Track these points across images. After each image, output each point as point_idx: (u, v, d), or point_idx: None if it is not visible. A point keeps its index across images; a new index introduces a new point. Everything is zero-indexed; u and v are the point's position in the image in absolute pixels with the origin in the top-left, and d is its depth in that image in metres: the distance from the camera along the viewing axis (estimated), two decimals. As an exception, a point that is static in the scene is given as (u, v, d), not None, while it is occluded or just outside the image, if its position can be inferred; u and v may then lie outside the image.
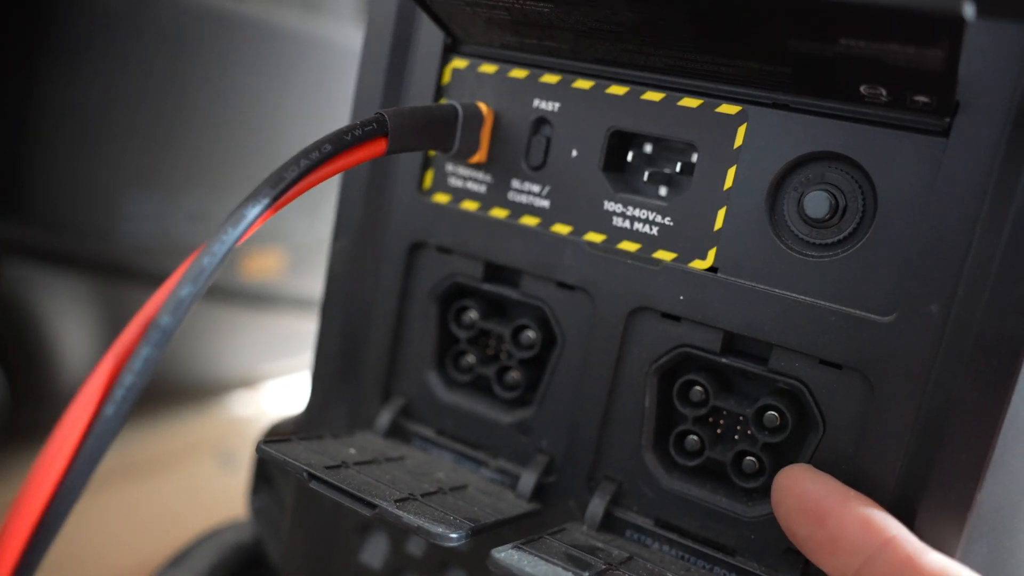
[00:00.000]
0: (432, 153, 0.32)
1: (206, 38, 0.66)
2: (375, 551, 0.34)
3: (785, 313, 0.25)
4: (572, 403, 0.29)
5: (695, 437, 0.27)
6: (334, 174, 0.25)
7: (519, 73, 0.30)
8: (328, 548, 0.35)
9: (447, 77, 0.31)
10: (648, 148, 0.29)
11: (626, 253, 0.28)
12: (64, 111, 0.59)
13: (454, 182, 0.31)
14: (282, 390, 0.88)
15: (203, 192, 0.69)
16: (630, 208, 0.28)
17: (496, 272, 0.31)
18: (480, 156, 0.30)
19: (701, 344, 0.27)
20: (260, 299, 0.78)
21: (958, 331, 0.23)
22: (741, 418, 0.27)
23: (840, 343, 0.25)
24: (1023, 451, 0.24)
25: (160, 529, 0.61)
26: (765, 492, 0.27)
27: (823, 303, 0.25)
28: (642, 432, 0.28)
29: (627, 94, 0.28)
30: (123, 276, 0.65)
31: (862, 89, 0.23)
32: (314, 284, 0.81)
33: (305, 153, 0.24)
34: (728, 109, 0.26)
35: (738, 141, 0.26)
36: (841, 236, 0.25)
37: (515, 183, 0.30)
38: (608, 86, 0.28)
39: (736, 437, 0.28)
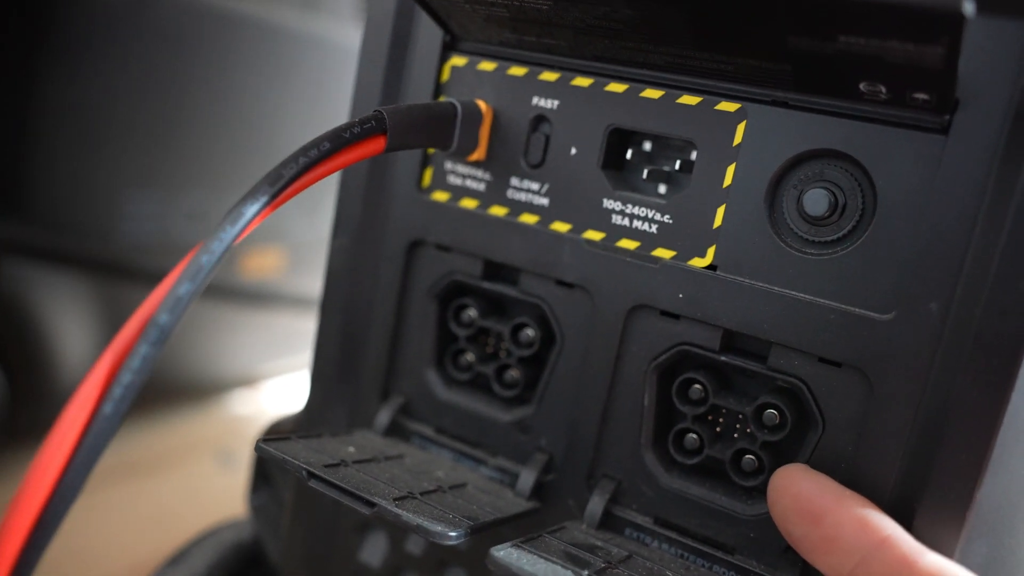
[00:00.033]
0: (431, 151, 0.32)
1: (205, 38, 0.66)
2: (374, 549, 0.34)
3: (784, 311, 0.25)
4: (571, 401, 0.29)
5: (694, 435, 0.27)
6: (333, 172, 0.25)
7: (518, 71, 0.30)
8: (327, 546, 0.35)
9: (446, 75, 0.31)
10: (647, 146, 0.29)
11: (625, 251, 0.28)
12: (64, 111, 0.59)
13: (453, 180, 0.31)
14: (281, 389, 0.88)
15: (203, 192, 0.69)
16: (629, 206, 0.28)
17: (495, 270, 0.31)
18: (479, 154, 0.30)
19: (700, 342, 0.27)
20: (259, 298, 0.78)
21: (958, 329, 0.23)
22: (740, 416, 0.27)
23: (839, 341, 0.25)
24: (1022, 450, 0.24)
25: (159, 528, 0.61)
26: (764, 490, 0.27)
27: (822, 301, 0.25)
28: (641, 430, 0.28)
29: (626, 91, 0.28)
30: (123, 276, 0.65)
31: (862, 86, 0.23)
32: (313, 283, 0.81)
33: (304, 151, 0.24)
34: (727, 106, 0.26)
35: (737, 138, 0.26)
36: (840, 234, 0.25)
37: (514, 181, 0.30)
38: (607, 83, 0.28)
39: (735, 435, 0.27)
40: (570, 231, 0.29)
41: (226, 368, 0.80)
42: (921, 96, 0.22)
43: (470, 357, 0.32)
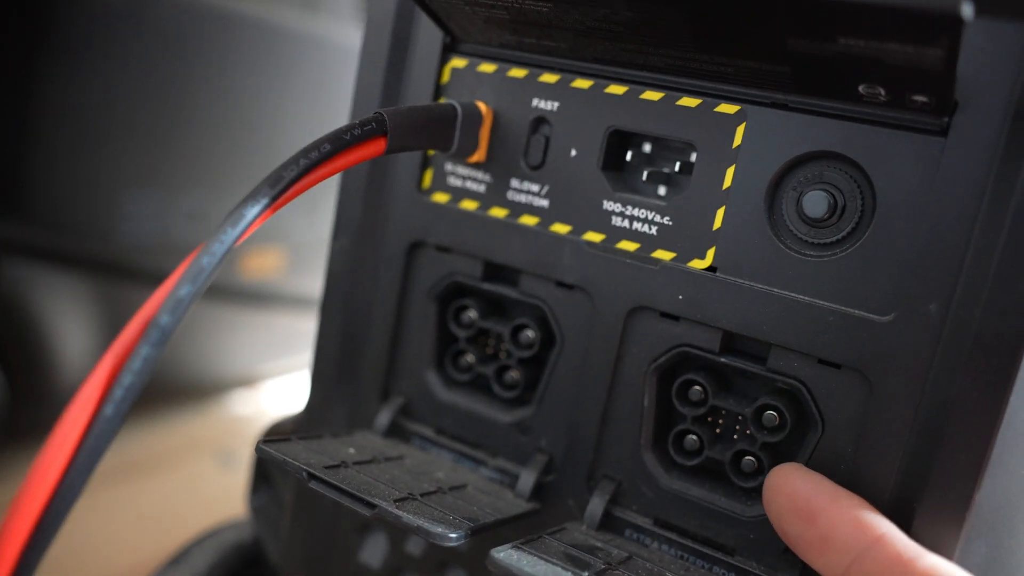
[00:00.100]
0: (431, 152, 0.32)
1: (205, 38, 0.66)
2: (374, 550, 0.34)
3: (784, 312, 0.25)
4: (571, 402, 0.29)
5: (694, 436, 0.27)
6: (333, 174, 0.25)
7: (518, 72, 0.30)
8: (327, 547, 0.35)
9: (446, 76, 0.31)
10: (647, 147, 0.29)
11: (625, 252, 0.28)
12: (64, 111, 0.59)
13: (453, 181, 0.31)
14: (281, 389, 0.88)
15: (202, 192, 0.69)
16: (629, 207, 0.28)
17: (495, 271, 0.31)
18: (479, 155, 0.30)
19: (700, 343, 0.27)
20: (259, 298, 0.78)
21: (957, 330, 0.23)
22: (740, 417, 0.27)
23: (839, 343, 0.25)
24: (1022, 450, 0.24)
25: (159, 528, 0.61)
26: (764, 491, 0.27)
27: (822, 303, 0.25)
28: (641, 431, 0.28)
29: (626, 93, 0.28)
30: (123, 276, 0.65)
31: (861, 88, 0.23)
32: (313, 283, 0.81)
33: (304, 153, 0.24)
34: (727, 108, 0.26)
35: (737, 140, 0.26)
36: (840, 236, 0.25)
37: (514, 182, 0.30)
38: (607, 85, 0.28)
39: (735, 436, 0.28)
40: (570, 232, 0.29)
41: (226, 368, 0.81)
42: (920, 98, 0.22)
43: (470, 358, 0.32)
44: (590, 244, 0.29)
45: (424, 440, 0.33)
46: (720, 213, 0.26)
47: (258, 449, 0.27)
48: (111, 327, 0.65)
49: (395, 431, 0.33)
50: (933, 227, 0.23)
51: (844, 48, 0.21)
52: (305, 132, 0.74)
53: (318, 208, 0.80)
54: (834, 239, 0.25)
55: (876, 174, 0.24)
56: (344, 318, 0.34)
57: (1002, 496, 0.24)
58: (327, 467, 0.26)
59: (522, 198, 0.30)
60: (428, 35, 0.31)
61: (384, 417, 0.33)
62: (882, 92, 0.23)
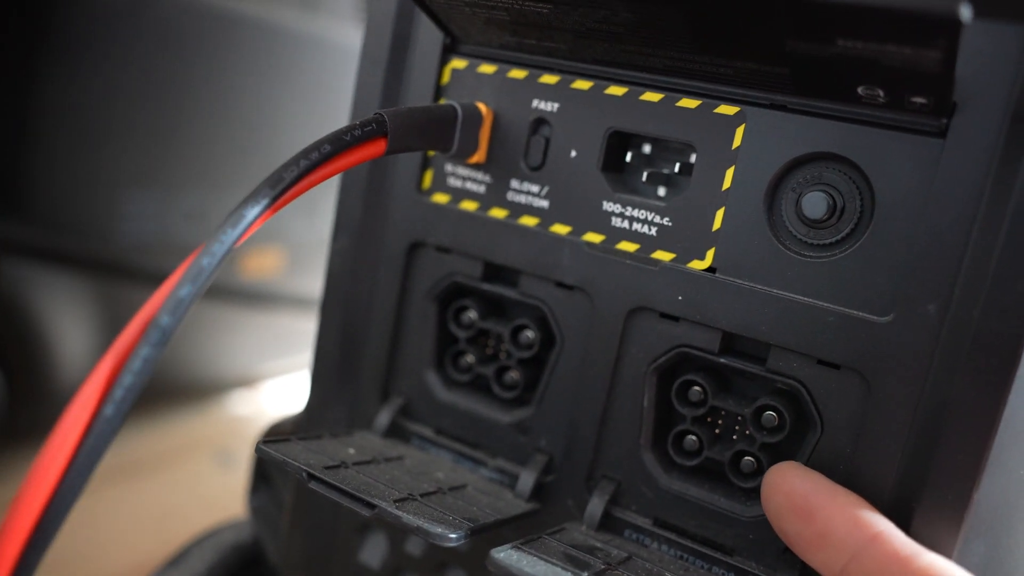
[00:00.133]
0: (431, 153, 0.32)
1: (205, 38, 0.66)
2: (374, 551, 0.34)
3: (783, 313, 0.25)
4: (571, 403, 0.29)
5: (694, 437, 0.27)
6: (334, 174, 0.25)
7: (518, 73, 0.30)
8: (327, 548, 0.35)
9: (446, 77, 0.31)
10: (647, 148, 0.29)
11: (625, 253, 0.28)
12: (64, 111, 0.59)
13: (453, 182, 0.31)
14: (281, 389, 0.88)
15: (202, 191, 0.69)
16: (629, 208, 0.28)
17: (495, 272, 0.31)
18: (479, 156, 0.30)
19: (700, 344, 0.27)
20: (259, 298, 0.78)
21: (955, 331, 0.23)
22: (739, 418, 0.27)
23: (838, 343, 0.25)
24: (1020, 450, 0.24)
25: (159, 528, 0.61)
26: (763, 492, 0.27)
27: (821, 303, 0.25)
28: (641, 432, 0.28)
29: (626, 95, 0.28)
30: (122, 275, 0.66)
31: (860, 90, 0.23)
32: (313, 283, 0.81)
33: (304, 153, 0.24)
34: (726, 110, 0.26)
35: (736, 142, 0.26)
36: (839, 236, 0.25)
37: (514, 183, 0.30)
38: (607, 86, 0.28)
39: (734, 437, 0.28)
40: (570, 233, 0.29)
41: (226, 368, 0.81)
42: (919, 100, 0.22)
43: (470, 358, 0.32)
44: (590, 245, 0.29)
45: (424, 440, 0.33)
46: (720, 214, 0.26)
47: (258, 450, 0.27)
48: (111, 327, 0.65)
49: (395, 431, 0.33)
50: (932, 228, 0.23)
51: (843, 50, 0.21)
52: (305, 132, 0.74)
53: (318, 208, 0.80)
54: (833, 240, 0.25)
55: (875, 175, 0.24)
56: (344, 318, 0.34)
57: (1001, 496, 0.24)
58: (327, 467, 0.26)
59: (522, 199, 0.30)
60: (428, 36, 0.31)
61: (384, 417, 0.33)
62: (881, 94, 0.23)
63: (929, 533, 0.23)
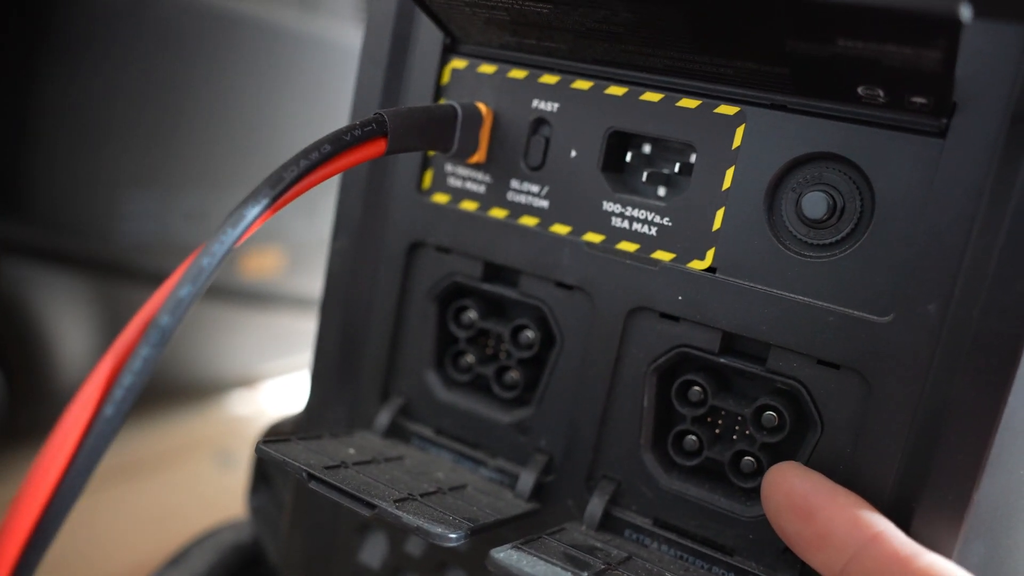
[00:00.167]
0: (431, 153, 0.32)
1: (205, 38, 0.66)
2: (374, 551, 0.34)
3: (783, 313, 0.25)
4: (571, 403, 0.29)
5: (693, 437, 0.27)
6: (334, 174, 0.25)
7: (518, 73, 0.30)
8: (327, 548, 0.35)
9: (446, 77, 0.31)
10: (647, 148, 0.29)
11: (625, 253, 0.28)
12: (64, 111, 0.59)
13: (453, 182, 0.31)
14: (281, 389, 0.88)
15: (202, 191, 0.69)
16: (629, 208, 0.28)
17: (495, 272, 0.31)
18: (479, 156, 0.30)
19: (700, 344, 0.27)
20: (259, 298, 0.78)
21: (955, 331, 0.23)
22: (739, 418, 0.27)
23: (838, 343, 0.25)
24: (1020, 450, 0.24)
25: (159, 528, 0.61)
26: (763, 492, 0.27)
27: (821, 303, 0.25)
28: (641, 432, 0.28)
29: (626, 95, 0.28)
30: (122, 275, 0.66)
31: (860, 90, 0.23)
32: (313, 283, 0.81)
33: (304, 153, 0.24)
34: (726, 110, 0.26)
35: (736, 142, 0.26)
36: (839, 236, 0.25)
37: (514, 183, 0.30)
38: (607, 87, 0.28)
39: (734, 437, 0.28)
40: (570, 233, 0.29)
41: (226, 368, 0.81)
42: (919, 100, 0.22)
43: (470, 358, 0.32)
44: (590, 245, 0.29)
45: (424, 440, 0.33)
46: (720, 214, 0.26)
47: (258, 450, 0.27)
48: (111, 327, 0.65)
49: (395, 431, 0.33)
50: (932, 228, 0.23)
51: (843, 50, 0.21)
52: (305, 132, 0.74)
53: (318, 208, 0.80)
54: (833, 240, 0.25)
55: (875, 175, 0.24)
56: (344, 318, 0.34)
57: (1001, 496, 0.24)
58: (327, 467, 0.26)
59: (522, 199, 0.30)
60: (428, 36, 0.31)
61: (384, 417, 0.33)
62: (881, 93, 0.23)
63: (929, 533, 0.23)
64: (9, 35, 0.56)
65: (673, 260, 0.27)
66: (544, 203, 0.30)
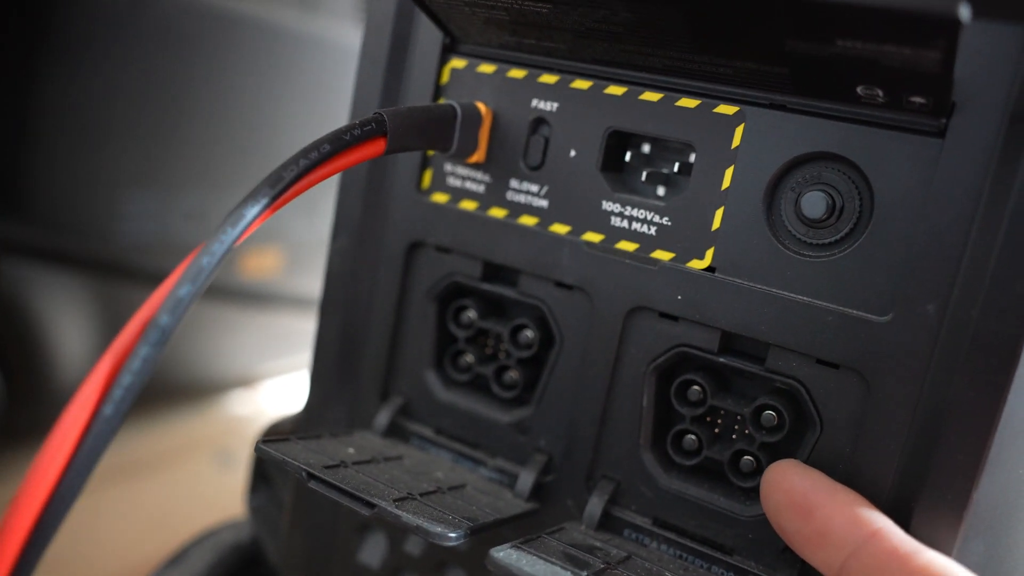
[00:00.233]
0: (431, 153, 0.32)
1: (204, 38, 0.66)
2: (374, 550, 0.34)
3: (782, 313, 0.25)
4: (570, 402, 0.30)
5: (693, 436, 0.27)
6: (333, 174, 0.25)
7: (517, 73, 0.30)
8: (326, 547, 0.35)
9: (446, 77, 0.31)
10: (646, 148, 0.29)
11: (624, 253, 0.28)
12: (64, 111, 0.59)
13: (453, 182, 0.31)
14: (280, 389, 0.88)
15: (201, 191, 0.69)
16: (628, 208, 0.28)
17: (495, 271, 0.31)
18: (479, 156, 0.30)
19: (699, 344, 0.27)
20: (258, 298, 0.78)
21: (954, 331, 0.23)
22: (739, 417, 0.27)
23: (837, 343, 0.25)
24: (1019, 450, 0.24)
25: (158, 528, 0.61)
26: (762, 491, 0.27)
27: (820, 303, 0.25)
28: (640, 431, 0.28)
29: (625, 94, 0.28)
30: (121, 275, 0.66)
31: (859, 90, 0.23)
32: (312, 283, 0.81)
33: (304, 153, 0.24)
34: (726, 109, 0.26)
35: (736, 141, 0.26)
36: (838, 236, 0.25)
37: (513, 183, 0.30)
38: (606, 86, 0.28)
39: (734, 436, 0.28)
40: (569, 233, 0.29)
41: (225, 368, 0.81)
42: (918, 100, 0.22)
43: (469, 358, 0.32)
44: (589, 244, 0.29)
45: (423, 440, 0.33)
46: (719, 214, 0.26)
47: (258, 449, 0.27)
48: (110, 327, 0.65)
49: (394, 431, 0.33)
50: (931, 228, 0.23)
51: (842, 50, 0.21)
52: (305, 132, 0.74)
53: (317, 208, 0.80)
54: (832, 239, 0.25)
55: (874, 175, 0.24)
56: (343, 318, 0.34)
57: (1000, 495, 0.24)
58: (326, 467, 0.26)
59: (521, 198, 0.30)
60: (428, 36, 0.31)
61: (383, 417, 0.33)
62: (880, 93, 0.23)
63: (928, 532, 0.24)
64: (9, 35, 0.56)
65: (672, 260, 0.27)
66: (543, 203, 0.30)
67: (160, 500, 0.66)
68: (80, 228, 0.63)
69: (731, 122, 0.26)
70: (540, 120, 0.30)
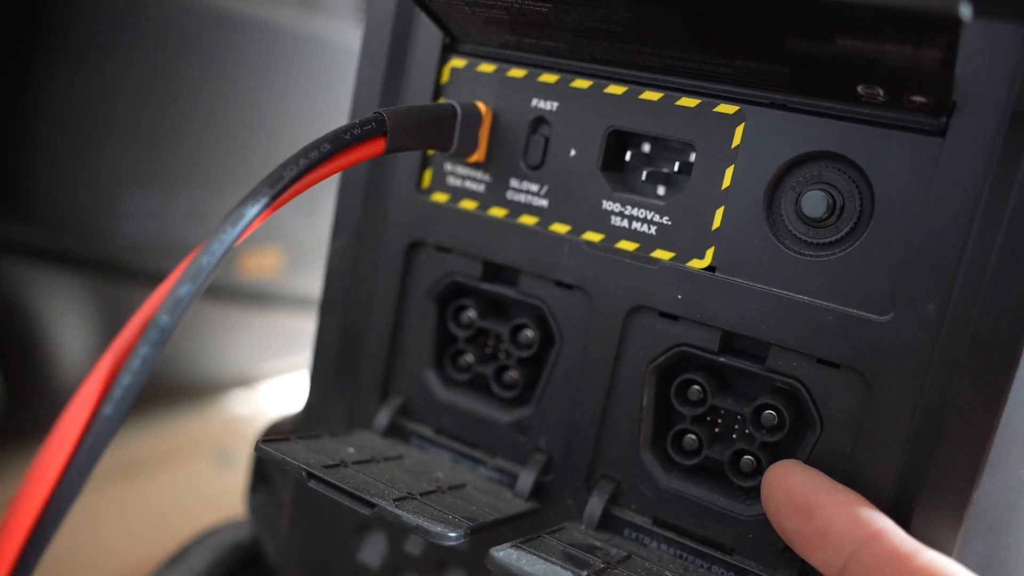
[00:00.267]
0: (431, 152, 0.32)
1: (204, 37, 0.66)
2: (373, 550, 0.34)
3: (783, 312, 0.25)
4: (570, 402, 0.29)
5: (693, 436, 0.27)
6: (333, 173, 0.25)
7: (517, 72, 0.30)
8: (326, 547, 0.35)
9: (445, 76, 0.31)
10: (646, 147, 0.29)
11: (624, 252, 0.28)
12: (64, 111, 0.59)
13: (453, 181, 0.31)
14: (280, 389, 0.88)
15: (201, 191, 0.69)
16: (628, 207, 0.28)
17: (494, 271, 0.31)
18: (478, 155, 0.30)
19: (699, 343, 0.27)
20: (258, 298, 0.78)
21: (955, 330, 0.23)
22: (739, 417, 0.27)
23: (837, 342, 0.25)
24: (1020, 449, 0.24)
25: (158, 528, 0.61)
26: (763, 491, 0.27)
27: (820, 302, 0.25)
28: (640, 431, 0.28)
29: (625, 93, 0.28)
30: (121, 275, 0.65)
31: (859, 89, 0.23)
32: (312, 283, 0.81)
33: (304, 152, 0.24)
34: (726, 109, 0.26)
35: (736, 141, 0.26)
36: (838, 236, 0.25)
37: (513, 182, 0.30)
38: (606, 85, 0.28)
39: (734, 436, 0.28)
40: (569, 232, 0.29)
41: (225, 368, 0.81)
42: (918, 99, 0.22)
43: (469, 358, 0.32)
44: (589, 244, 0.29)
45: (423, 440, 0.33)
46: (719, 213, 0.26)
47: (257, 449, 0.27)
48: (110, 327, 0.65)
49: (394, 431, 0.33)
50: (931, 227, 0.23)
51: (842, 49, 0.21)
52: (305, 132, 0.74)
53: (317, 208, 0.80)
54: (833, 239, 0.25)
55: (874, 174, 0.24)
56: (343, 318, 0.34)
57: (1000, 495, 0.24)
58: (326, 466, 0.26)
59: (521, 198, 0.30)
60: (428, 35, 0.31)
61: (383, 417, 0.33)
62: (880, 93, 0.23)
63: (929, 532, 0.23)
64: (9, 35, 0.56)
65: (672, 259, 0.27)
66: (543, 202, 0.30)
67: (160, 500, 0.65)
68: (80, 228, 0.62)
69: (731, 121, 0.26)
70: (540, 119, 0.30)
